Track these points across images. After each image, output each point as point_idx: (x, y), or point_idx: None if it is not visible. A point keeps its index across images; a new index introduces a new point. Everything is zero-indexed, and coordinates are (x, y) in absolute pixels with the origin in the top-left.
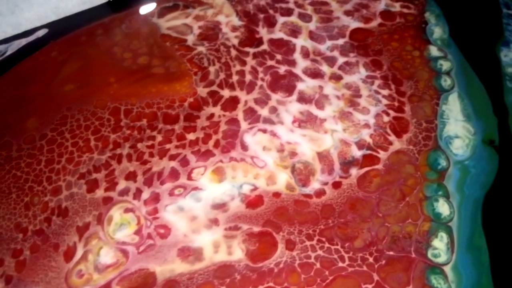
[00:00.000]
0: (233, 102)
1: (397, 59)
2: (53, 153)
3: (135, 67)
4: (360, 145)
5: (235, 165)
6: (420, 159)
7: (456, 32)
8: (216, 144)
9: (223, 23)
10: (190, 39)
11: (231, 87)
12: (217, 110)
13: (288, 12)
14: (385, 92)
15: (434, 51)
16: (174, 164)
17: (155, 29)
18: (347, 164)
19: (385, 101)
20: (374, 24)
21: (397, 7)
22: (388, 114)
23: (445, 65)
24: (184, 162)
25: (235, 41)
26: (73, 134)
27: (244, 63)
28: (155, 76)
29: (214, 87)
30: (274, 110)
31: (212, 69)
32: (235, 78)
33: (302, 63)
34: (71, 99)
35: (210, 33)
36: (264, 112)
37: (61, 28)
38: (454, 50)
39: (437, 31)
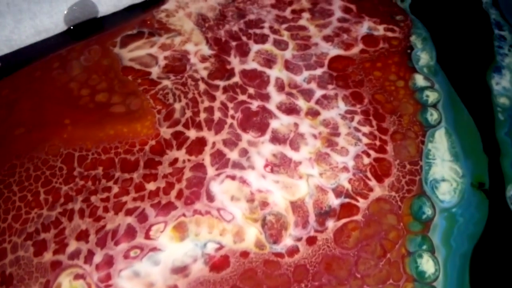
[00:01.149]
0: (199, 144)
1: (380, 90)
2: None
3: (93, 105)
4: (338, 192)
5: (199, 220)
6: (403, 207)
7: (444, 57)
8: (179, 194)
9: (191, 52)
10: (155, 71)
11: (198, 126)
12: (181, 154)
13: (262, 39)
14: (366, 129)
15: (420, 80)
16: (130, 220)
17: (117, 61)
18: (323, 215)
19: (365, 140)
20: (355, 50)
21: (380, 30)
22: (368, 155)
23: (431, 96)
24: (142, 217)
25: (204, 73)
26: (22, 187)
27: (213, 98)
28: (114, 115)
29: (179, 127)
30: (244, 152)
31: (177, 106)
32: (202, 116)
33: (276, 97)
34: (21, 144)
35: (177, 65)
36: (233, 155)
37: (14, 62)
38: (441, 78)
39: (424, 57)
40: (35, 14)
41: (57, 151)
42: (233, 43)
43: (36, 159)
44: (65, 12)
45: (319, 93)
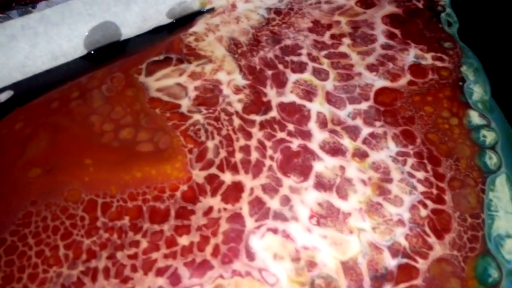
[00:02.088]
0: (236, 190)
1: (433, 129)
2: (12, 266)
3: (117, 143)
4: (394, 250)
5: (239, 283)
6: (467, 269)
7: (499, 91)
8: (215, 251)
9: (224, 82)
10: (185, 104)
11: (234, 169)
12: (216, 202)
13: (300, 68)
14: (420, 175)
15: (475, 117)
16: (162, 282)
17: (143, 91)
18: (380, 279)
19: (421, 188)
20: (402, 82)
21: (428, 59)
22: (425, 206)
23: (489, 136)
24: (175, 279)
25: (239, 106)
26: (38, 239)
27: (249, 135)
28: (141, 155)
29: (213, 170)
30: (286, 200)
31: (210, 144)
32: (238, 156)
33: (318, 135)
34: (37, 188)
35: (209, 96)
36: (274, 203)
37: (28, 90)
38: (498, 115)
39: (477, 91)
40: (52, 37)
41: (77, 197)
42: (269, 72)
43: (54, 206)
44: (86, 35)
45: (366, 130)
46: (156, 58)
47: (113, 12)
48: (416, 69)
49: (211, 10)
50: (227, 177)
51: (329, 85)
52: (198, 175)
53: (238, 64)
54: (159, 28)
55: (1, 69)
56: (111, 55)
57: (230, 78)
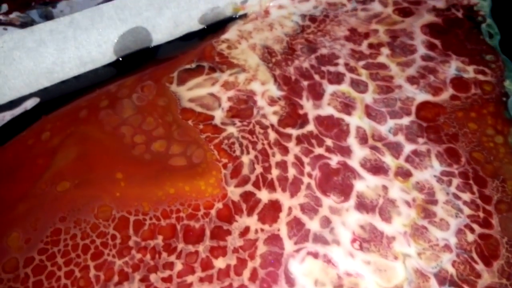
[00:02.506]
0: (273, 210)
1: (477, 147)
2: (41, 287)
3: (149, 156)
4: (441, 278)
5: None
6: None
7: None
8: (253, 275)
9: (258, 93)
10: (218, 115)
11: (271, 186)
12: (253, 222)
13: (338, 79)
14: (466, 196)
15: None
16: None
17: (174, 101)
18: None
19: (467, 211)
20: (445, 96)
21: (470, 72)
22: (472, 231)
23: None
24: None
25: (274, 119)
26: (68, 259)
27: (286, 151)
28: (174, 170)
29: (249, 187)
30: (327, 222)
31: (245, 159)
32: (275, 173)
33: (359, 152)
34: (65, 203)
35: (243, 108)
36: (314, 225)
37: (55, 97)
38: None
39: None
40: (81, 43)
41: (108, 214)
42: (305, 83)
43: (84, 224)
44: (115, 41)
45: (408, 148)
46: (188, 66)
47: (145, 17)
48: (458, 82)
49: (244, 16)
50: (264, 195)
51: (369, 97)
52: (234, 192)
53: (273, 73)
54: (190, 35)
55: (27, 75)
56: (141, 62)
57: (265, 89)
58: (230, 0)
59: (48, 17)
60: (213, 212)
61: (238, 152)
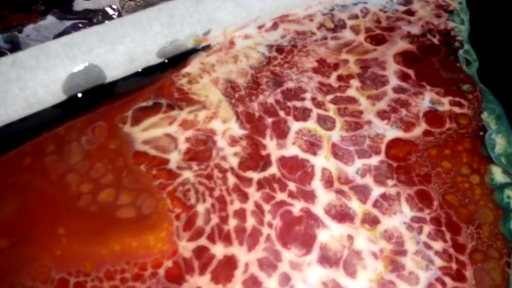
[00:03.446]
0: (228, 267)
1: (451, 189)
2: None
3: (95, 208)
4: None
5: None
6: None
7: None
8: None
9: (218, 132)
10: (174, 159)
11: (227, 239)
12: (205, 282)
13: (304, 115)
14: (438, 245)
15: (498, 174)
16: None
17: (127, 144)
18: None
19: (439, 262)
20: (417, 132)
21: (445, 104)
22: (444, 285)
23: None
24: None
25: (234, 161)
26: None
27: (245, 197)
28: (122, 223)
29: (203, 240)
30: (286, 279)
31: (201, 208)
32: (232, 223)
33: (323, 197)
34: (1, 264)
35: (201, 149)
36: (272, 283)
37: None
38: None
39: (500, 143)
40: (26, 83)
41: (47, 276)
42: (269, 120)
43: (19, 287)
44: (64, 80)
45: (377, 191)
46: (144, 104)
47: (96, 53)
48: (432, 116)
49: (207, 48)
50: (219, 250)
51: (336, 135)
52: (185, 248)
53: (235, 110)
54: (149, 69)
55: None
56: (95, 100)
57: (226, 127)
58: (190, 32)
59: (13, 42)
60: (161, 271)
61: (193, 200)
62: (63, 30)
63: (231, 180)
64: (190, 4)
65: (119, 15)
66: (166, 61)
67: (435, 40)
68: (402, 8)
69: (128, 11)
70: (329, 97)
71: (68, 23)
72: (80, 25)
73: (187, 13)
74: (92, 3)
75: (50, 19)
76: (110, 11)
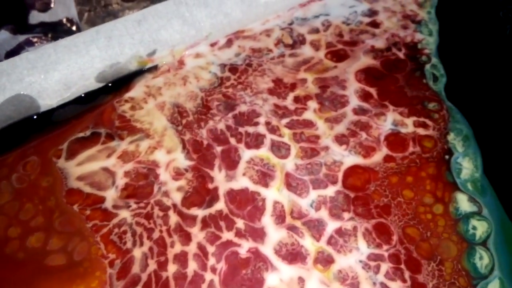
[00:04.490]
0: None
1: (412, 221)
2: None
3: (23, 254)
4: None
5: None
6: None
7: (492, 165)
8: None
9: (162, 164)
10: (110, 196)
11: None
12: None
13: (256, 142)
14: (396, 286)
15: (463, 202)
16: None
17: (60, 181)
18: None
19: None
20: (377, 157)
21: (409, 125)
22: None
23: (480, 228)
24: None
25: (177, 197)
26: None
27: (187, 238)
28: (51, 271)
29: None
30: None
31: (137, 253)
32: (171, 269)
33: (274, 235)
34: None
35: (141, 184)
36: None
37: None
38: (490, 199)
39: (467, 167)
40: None
41: None
42: (218, 149)
43: None
44: None
45: (332, 226)
46: (82, 135)
47: (27, 82)
48: (394, 139)
49: (154, 69)
50: None
51: (290, 164)
52: None
53: (181, 139)
54: (91, 94)
55: None
56: (29, 132)
57: (170, 158)
58: (132, 53)
59: None
60: None
61: (129, 244)
62: (16, 45)
63: (173, 219)
64: (131, 24)
65: (78, 28)
66: (110, 84)
67: (401, 54)
68: (367, 19)
69: (87, 23)
70: (285, 120)
71: (22, 38)
72: (35, 39)
73: (127, 34)
74: (48, 16)
75: (4, 34)
76: (68, 24)
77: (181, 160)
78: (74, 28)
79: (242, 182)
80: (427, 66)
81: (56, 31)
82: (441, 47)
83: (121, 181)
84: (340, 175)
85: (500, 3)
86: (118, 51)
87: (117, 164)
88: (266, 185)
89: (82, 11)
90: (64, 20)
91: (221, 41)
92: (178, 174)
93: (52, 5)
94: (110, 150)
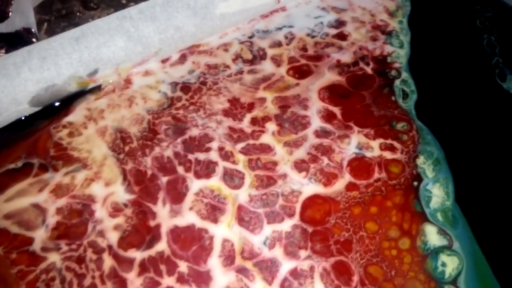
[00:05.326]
0: None
1: (375, 258)
2: None
3: None
4: None
5: None
6: None
7: (465, 192)
8: None
9: (99, 198)
10: (39, 237)
11: None
12: None
13: (207, 170)
14: None
15: (432, 235)
16: None
17: None
18: None
19: None
20: (339, 186)
21: (375, 149)
22: None
23: (450, 264)
24: None
25: (114, 237)
26: None
27: (123, 286)
28: None
29: None
30: None
31: None
32: None
33: (221, 279)
34: None
35: (74, 223)
36: None
37: None
38: (462, 230)
39: (437, 195)
40: None
41: None
42: (163, 179)
43: None
44: None
45: (286, 266)
46: (13, 166)
47: None
48: (359, 165)
49: (97, 89)
50: None
51: (243, 195)
52: None
53: (122, 168)
54: (23, 123)
55: None
56: None
57: (109, 192)
58: (70, 74)
59: None
60: None
61: None
62: None
63: (108, 263)
64: (67, 42)
65: (36, 39)
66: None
67: (368, 69)
68: (333, 31)
69: (46, 33)
70: (240, 145)
71: None
72: None
73: (63, 53)
74: (4, 26)
75: None
76: (25, 34)
77: (121, 194)
78: (33, 39)
79: (188, 217)
80: (397, 82)
81: (12, 43)
82: (413, 60)
83: (52, 219)
84: (298, 207)
85: (477, 11)
86: (54, 72)
87: (49, 200)
88: (215, 220)
89: (42, 20)
90: (22, 31)
91: (173, 57)
92: (116, 210)
93: (10, 14)
94: (43, 183)
